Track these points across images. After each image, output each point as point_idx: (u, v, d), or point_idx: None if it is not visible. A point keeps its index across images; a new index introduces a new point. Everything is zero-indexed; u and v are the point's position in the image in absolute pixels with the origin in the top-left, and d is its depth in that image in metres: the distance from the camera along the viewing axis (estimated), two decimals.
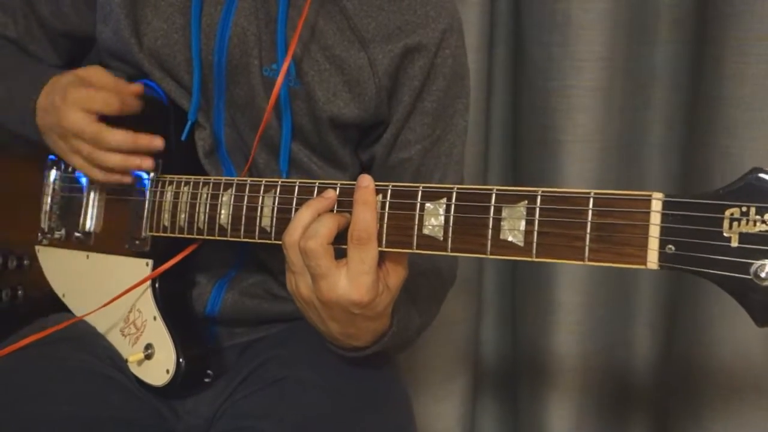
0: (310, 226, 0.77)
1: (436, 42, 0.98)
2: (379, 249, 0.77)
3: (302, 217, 0.78)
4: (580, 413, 1.48)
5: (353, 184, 0.78)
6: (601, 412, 1.52)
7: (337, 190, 0.80)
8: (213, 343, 1.03)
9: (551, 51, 1.39)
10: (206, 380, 0.99)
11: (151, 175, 0.97)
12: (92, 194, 1.04)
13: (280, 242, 0.80)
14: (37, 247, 1.10)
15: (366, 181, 0.77)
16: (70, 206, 1.07)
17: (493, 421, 1.67)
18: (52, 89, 0.95)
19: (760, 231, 0.56)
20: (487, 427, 1.67)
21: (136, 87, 0.94)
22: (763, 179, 0.56)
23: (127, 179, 0.95)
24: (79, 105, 0.91)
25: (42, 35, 1.10)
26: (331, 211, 0.80)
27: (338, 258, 0.78)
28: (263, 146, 0.99)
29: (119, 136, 0.91)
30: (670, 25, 1.42)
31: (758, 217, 0.56)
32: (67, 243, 1.06)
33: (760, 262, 0.56)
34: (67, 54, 1.13)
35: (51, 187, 1.09)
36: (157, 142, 0.93)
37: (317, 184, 0.81)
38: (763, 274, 0.56)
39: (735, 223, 0.57)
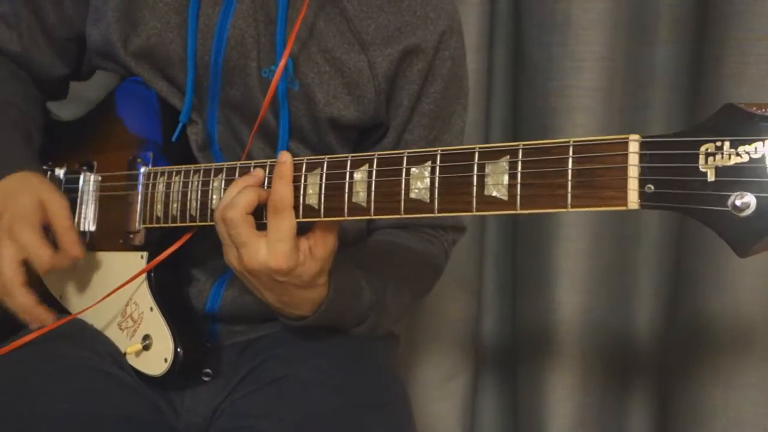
0: (231, 199, 0.81)
1: (434, 44, 0.98)
2: (315, 219, 0.80)
3: (228, 192, 0.82)
4: (580, 412, 1.48)
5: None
6: (601, 411, 1.52)
7: (267, 168, 0.84)
8: (213, 342, 1.03)
9: (551, 51, 1.39)
10: (206, 379, 0.99)
11: (143, 169, 0.97)
12: (86, 194, 1.05)
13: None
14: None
15: (284, 156, 0.81)
16: None
17: (493, 419, 1.67)
18: (6, 195, 0.94)
19: (735, 163, 0.57)
20: (487, 426, 1.67)
21: (80, 252, 0.94)
22: (736, 113, 0.57)
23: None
24: (17, 244, 0.91)
25: (47, 45, 1.10)
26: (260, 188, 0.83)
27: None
28: (262, 144, 1.00)
29: (21, 300, 0.92)
30: (670, 25, 1.42)
31: (732, 150, 0.57)
32: None
33: (736, 194, 0.57)
34: (74, 61, 1.13)
35: None
36: (47, 321, 0.94)
37: (305, 160, 0.82)
38: (739, 204, 0.56)
39: (710, 158, 0.58)
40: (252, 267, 0.81)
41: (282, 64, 0.92)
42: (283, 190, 0.80)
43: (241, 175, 0.87)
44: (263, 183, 0.84)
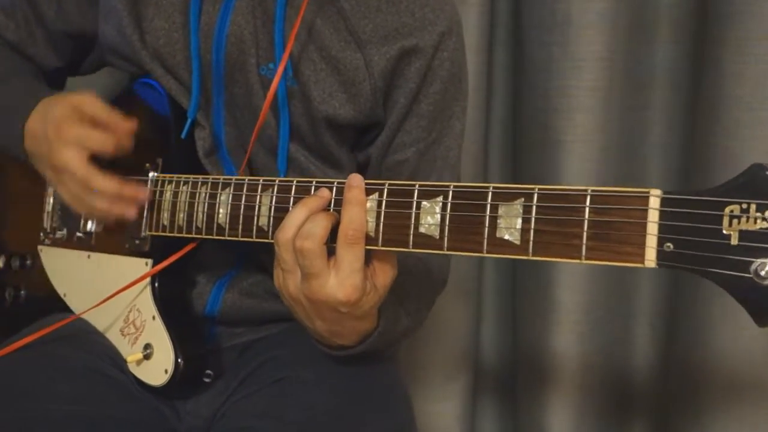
0: (304, 226, 0.77)
1: (433, 45, 0.98)
2: (371, 248, 0.77)
3: (297, 215, 0.78)
4: (580, 413, 1.48)
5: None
6: (601, 412, 1.52)
7: (333, 189, 0.79)
8: (213, 344, 1.03)
9: (551, 51, 1.39)
10: (206, 380, 0.99)
11: (151, 174, 0.97)
12: None
13: None
14: (39, 247, 1.10)
15: (357, 180, 0.77)
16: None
17: (492, 420, 1.67)
18: (44, 117, 0.94)
19: (761, 228, 0.55)
20: (487, 427, 1.67)
21: (130, 124, 0.93)
22: (763, 175, 0.55)
23: (111, 218, 0.94)
24: (74, 143, 0.90)
25: (43, 38, 1.10)
26: (326, 210, 0.79)
27: None
28: (261, 146, 0.99)
29: (107, 184, 0.90)
30: (670, 25, 1.42)
31: (759, 214, 0.55)
32: (69, 243, 1.06)
33: (760, 261, 0.55)
34: (68, 56, 1.13)
35: (53, 190, 1.09)
36: (141, 195, 0.93)
37: (314, 183, 0.80)
38: (763, 273, 0.54)
39: (735, 221, 0.56)
40: (317, 297, 0.78)
41: (282, 65, 0.92)
42: (359, 218, 0.75)
43: (249, 189, 0.85)
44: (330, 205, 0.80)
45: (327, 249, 0.77)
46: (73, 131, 0.91)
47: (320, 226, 0.76)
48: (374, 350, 0.89)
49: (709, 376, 1.35)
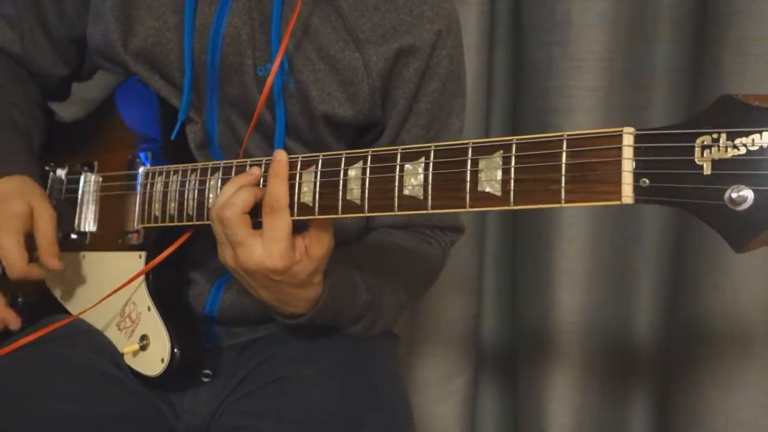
0: (227, 198, 0.81)
1: (430, 43, 0.98)
2: (306, 217, 0.80)
3: (226, 190, 0.82)
4: (580, 412, 1.48)
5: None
6: (601, 411, 1.52)
7: (262, 166, 0.83)
8: (212, 343, 1.03)
9: (551, 51, 1.39)
10: (205, 380, 0.99)
11: (141, 169, 0.97)
12: (87, 195, 1.05)
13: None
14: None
15: (279, 155, 0.80)
16: (65, 208, 1.07)
17: (492, 420, 1.67)
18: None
19: (732, 156, 0.55)
20: (487, 426, 1.67)
21: (56, 265, 0.96)
22: (732, 105, 0.56)
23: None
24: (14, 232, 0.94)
25: (48, 46, 1.10)
26: (255, 185, 0.83)
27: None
28: (259, 142, 0.99)
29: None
30: (670, 25, 1.42)
31: (729, 142, 0.55)
32: (63, 245, 1.06)
33: (733, 187, 0.55)
34: (74, 62, 1.13)
35: (48, 191, 1.09)
36: (14, 326, 1.02)
37: (300, 158, 0.82)
38: (736, 198, 0.55)
39: (707, 151, 0.56)
40: (248, 266, 0.81)
41: (277, 61, 0.92)
42: (278, 189, 0.79)
43: (237, 173, 0.87)
44: (259, 181, 0.83)
45: (254, 223, 0.81)
46: (2, 238, 0.94)
47: (240, 198, 0.80)
48: (333, 321, 0.92)
49: (708, 375, 1.35)
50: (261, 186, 0.83)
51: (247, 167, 0.85)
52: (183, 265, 1.00)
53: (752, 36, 1.26)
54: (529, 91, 1.45)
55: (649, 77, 1.45)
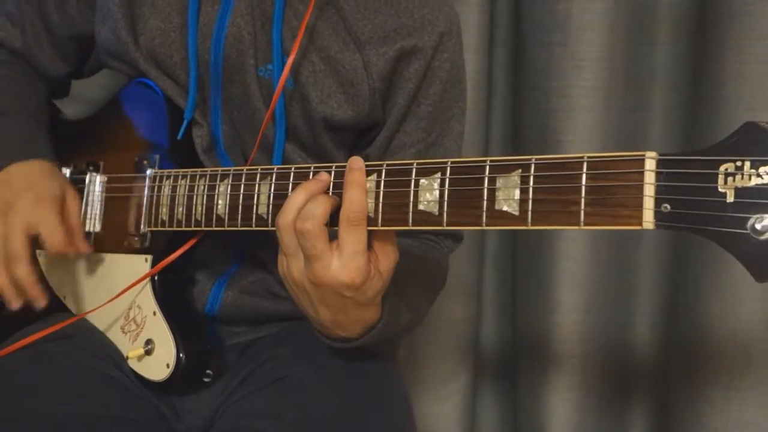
0: (304, 208, 0.77)
1: (432, 45, 0.98)
2: (372, 228, 0.76)
3: (296, 198, 0.77)
4: (580, 413, 1.49)
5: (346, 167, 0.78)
6: (601, 412, 1.53)
7: (332, 173, 0.79)
8: (213, 343, 1.03)
9: (551, 51, 1.39)
10: (206, 380, 0.99)
11: (149, 171, 0.97)
12: (92, 194, 1.05)
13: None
14: (38, 251, 1.09)
15: (358, 162, 0.76)
16: None
17: (492, 420, 1.67)
18: (37, 173, 0.96)
19: (756, 185, 0.55)
20: (487, 427, 1.67)
21: (86, 248, 0.96)
22: (756, 132, 0.55)
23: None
24: (30, 218, 0.92)
25: (49, 43, 1.10)
26: (325, 193, 0.79)
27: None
28: (258, 146, 0.99)
29: (23, 271, 0.91)
30: (670, 25, 1.43)
31: (753, 170, 0.55)
32: None
33: (756, 216, 0.55)
34: (74, 61, 1.13)
35: None
36: (41, 303, 0.94)
37: (312, 168, 0.80)
38: (759, 228, 0.54)
39: (730, 178, 0.56)
40: (321, 281, 0.77)
41: (286, 71, 0.92)
42: (359, 200, 0.75)
43: (247, 179, 0.85)
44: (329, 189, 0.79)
45: (329, 233, 0.77)
46: (45, 211, 0.92)
47: (320, 207, 0.76)
48: (375, 345, 0.88)
49: (708, 375, 1.35)
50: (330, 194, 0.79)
51: (258, 173, 0.83)
52: (188, 268, 1.00)
53: (752, 36, 1.27)
54: (529, 91, 1.45)
55: (649, 77, 1.45)
